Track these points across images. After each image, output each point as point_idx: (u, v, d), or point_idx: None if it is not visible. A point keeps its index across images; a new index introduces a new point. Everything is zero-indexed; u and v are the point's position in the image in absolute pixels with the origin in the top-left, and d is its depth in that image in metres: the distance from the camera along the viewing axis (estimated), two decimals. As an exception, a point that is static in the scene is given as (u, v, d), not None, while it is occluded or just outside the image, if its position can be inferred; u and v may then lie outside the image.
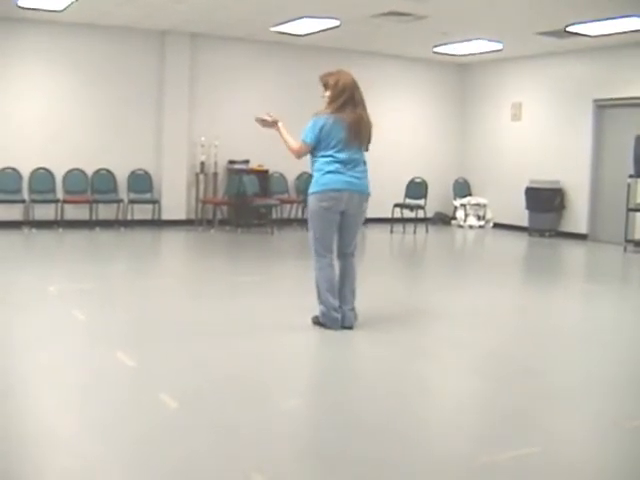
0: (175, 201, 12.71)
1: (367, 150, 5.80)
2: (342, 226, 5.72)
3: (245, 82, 13.17)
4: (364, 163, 5.73)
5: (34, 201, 11.60)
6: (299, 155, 5.72)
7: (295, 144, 5.66)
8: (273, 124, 5.82)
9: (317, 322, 5.80)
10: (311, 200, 5.67)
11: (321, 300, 5.71)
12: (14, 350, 5.05)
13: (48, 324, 5.81)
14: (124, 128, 12.34)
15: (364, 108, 5.65)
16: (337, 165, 5.56)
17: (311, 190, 5.66)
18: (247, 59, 13.17)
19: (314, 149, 5.62)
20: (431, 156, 15.12)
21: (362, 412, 4.07)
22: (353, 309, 5.82)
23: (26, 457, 3.36)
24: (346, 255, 5.84)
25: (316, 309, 5.78)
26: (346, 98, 5.55)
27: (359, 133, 5.60)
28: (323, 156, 5.59)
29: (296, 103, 11.58)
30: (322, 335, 5.69)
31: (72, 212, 11.92)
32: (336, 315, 5.69)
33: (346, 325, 5.74)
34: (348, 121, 5.55)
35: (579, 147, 12.98)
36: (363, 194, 5.70)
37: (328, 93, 5.64)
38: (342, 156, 5.57)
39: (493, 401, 4.38)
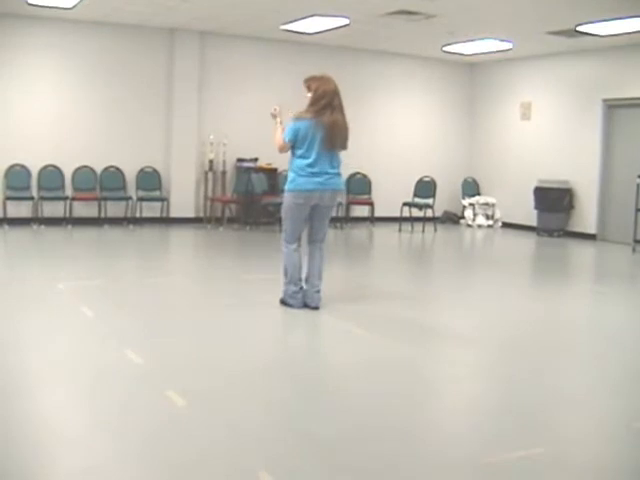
0: (184, 199, 12.73)
1: (345, 149, 6.34)
2: (314, 217, 6.31)
3: (254, 80, 13.17)
4: (338, 161, 6.28)
5: (43, 198, 11.63)
6: (280, 151, 6.28)
7: (280, 140, 6.24)
8: (274, 117, 6.44)
9: (283, 302, 6.40)
10: (287, 196, 6.23)
11: (287, 280, 6.33)
12: (22, 347, 5.07)
13: (57, 321, 5.84)
14: (133, 126, 12.36)
15: (342, 113, 6.17)
16: (311, 167, 6.10)
17: (287, 187, 6.22)
18: (256, 57, 13.18)
19: (293, 147, 6.18)
20: (440, 155, 15.10)
21: (368, 410, 4.08)
22: (319, 291, 6.36)
23: (34, 454, 3.37)
24: (315, 242, 6.42)
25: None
26: (325, 103, 6.08)
27: (335, 136, 6.12)
28: (300, 157, 6.13)
29: (305, 101, 11.56)
30: (331, 331, 5.70)
31: (81, 209, 11.95)
32: (298, 295, 6.33)
33: (312, 305, 6.31)
34: (325, 124, 6.06)
35: (588, 147, 12.94)
36: (335, 191, 6.27)
37: (309, 95, 6.19)
38: (317, 157, 6.10)
39: (501, 400, 4.38)
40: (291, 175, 6.18)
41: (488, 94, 15.08)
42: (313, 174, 6.10)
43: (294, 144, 6.13)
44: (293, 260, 6.32)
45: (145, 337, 5.44)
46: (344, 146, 6.29)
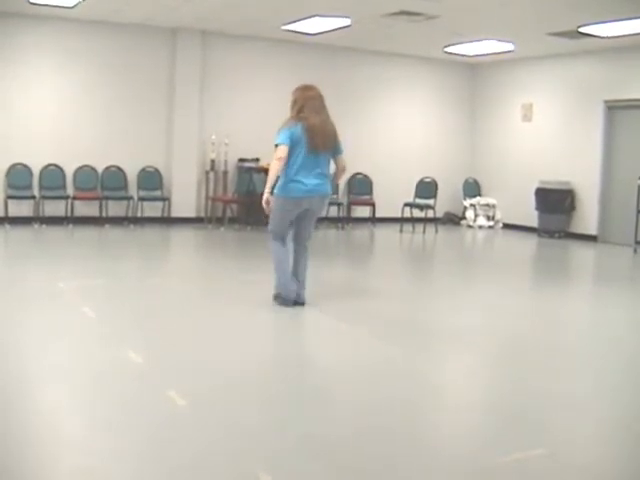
0: (185, 199, 12.73)
1: (334, 151, 6.38)
2: (301, 219, 6.43)
3: (256, 80, 13.17)
4: (326, 165, 6.35)
5: (44, 197, 11.64)
6: (282, 159, 6.10)
7: (273, 164, 6.11)
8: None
9: (276, 297, 6.50)
10: (276, 200, 6.23)
11: (277, 275, 6.44)
12: (23, 346, 5.07)
13: (57, 320, 5.84)
14: (134, 125, 12.36)
15: (322, 115, 6.27)
16: (300, 173, 6.18)
17: (277, 192, 6.22)
18: (258, 57, 13.18)
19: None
20: (441, 156, 15.10)
21: (368, 411, 4.08)
22: (304, 287, 6.52)
23: (34, 454, 3.37)
24: (301, 244, 6.55)
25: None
26: (298, 108, 6.25)
27: (316, 138, 6.17)
28: (290, 162, 6.15)
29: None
30: (331, 332, 5.71)
31: (82, 209, 11.96)
32: (292, 287, 6.42)
33: (300, 302, 6.47)
34: (306, 128, 6.15)
35: (589, 148, 12.94)
36: (323, 196, 6.39)
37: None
38: (304, 162, 6.16)
39: (501, 401, 4.38)
40: (282, 180, 6.22)
41: (489, 95, 15.09)
42: (302, 181, 6.18)
43: (290, 148, 6.13)
44: (281, 255, 6.43)
45: (146, 337, 5.44)
46: (332, 148, 6.34)
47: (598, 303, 7.86)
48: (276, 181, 6.21)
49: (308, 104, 6.26)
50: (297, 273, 6.50)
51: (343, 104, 12.52)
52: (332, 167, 6.52)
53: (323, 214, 6.94)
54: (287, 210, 6.30)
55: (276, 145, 6.15)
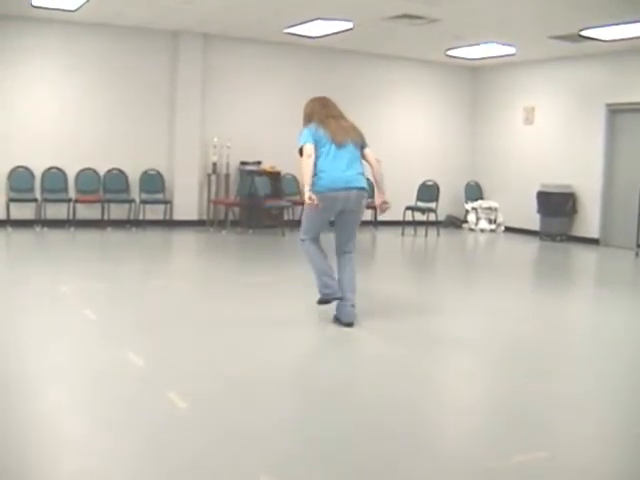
0: (187, 202, 12.74)
1: (366, 146, 6.06)
2: (340, 225, 6.00)
3: (258, 83, 13.18)
4: (359, 161, 5.96)
5: (46, 200, 11.65)
6: (311, 156, 5.74)
7: (305, 162, 5.76)
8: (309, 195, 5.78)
9: (321, 301, 6.00)
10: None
11: (317, 274, 5.95)
12: (25, 348, 5.07)
13: (59, 323, 5.84)
14: (136, 128, 12.38)
15: (339, 113, 6.10)
16: (332, 167, 5.79)
17: (314, 189, 5.74)
18: (260, 60, 13.19)
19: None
20: (443, 159, 15.10)
21: (369, 413, 4.08)
22: (353, 305, 5.94)
23: (35, 455, 3.37)
24: (345, 253, 6.05)
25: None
26: (308, 114, 6.03)
27: (341, 130, 5.91)
28: (320, 159, 5.80)
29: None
30: (330, 333, 5.71)
31: (84, 212, 11.96)
32: (332, 282, 5.93)
33: (346, 321, 5.89)
34: (321, 122, 5.91)
35: (591, 151, 12.94)
36: (360, 190, 5.89)
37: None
38: (336, 156, 5.82)
39: (502, 404, 4.38)
40: (314, 179, 5.78)
41: (491, 98, 15.09)
42: (333, 175, 5.79)
43: (315, 145, 5.79)
44: (314, 252, 5.98)
45: (147, 339, 5.44)
46: (359, 141, 6.01)
47: (599, 306, 7.85)
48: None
49: (316, 110, 6.02)
50: (343, 291, 5.93)
51: (344, 107, 12.43)
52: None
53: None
54: (322, 209, 5.77)
55: (300, 148, 5.81)
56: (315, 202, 5.63)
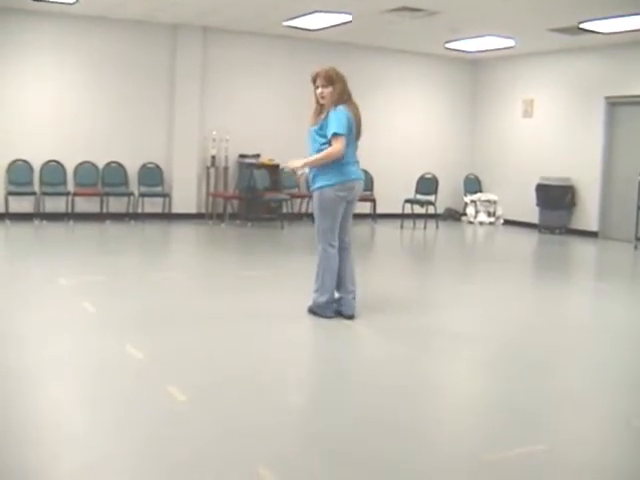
0: (186, 195, 12.73)
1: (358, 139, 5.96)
2: (343, 215, 5.90)
3: (257, 76, 13.16)
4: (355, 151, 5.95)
5: (45, 193, 11.64)
6: (341, 151, 5.63)
7: (330, 150, 5.61)
8: (300, 169, 5.87)
9: (313, 312, 5.97)
10: (328, 191, 5.72)
11: (324, 290, 5.87)
12: (23, 342, 5.07)
13: (58, 316, 5.84)
14: (135, 121, 12.36)
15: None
16: (352, 156, 5.81)
17: (330, 181, 5.70)
18: (259, 53, 13.17)
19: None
20: (442, 152, 15.09)
21: (369, 407, 4.08)
22: (354, 297, 5.99)
23: (34, 450, 3.37)
24: (345, 243, 6.00)
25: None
26: (344, 92, 5.81)
27: (359, 125, 5.85)
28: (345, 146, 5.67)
29: (307, 98, 11.56)
30: (329, 327, 5.71)
31: (83, 205, 11.95)
32: (332, 305, 5.93)
33: (347, 314, 5.92)
34: (353, 113, 5.77)
35: (590, 144, 12.93)
36: (362, 181, 5.99)
37: (333, 87, 5.78)
38: (352, 148, 5.81)
39: (501, 398, 4.38)
40: (334, 166, 5.66)
41: (490, 91, 15.07)
42: (353, 163, 5.81)
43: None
44: (333, 266, 5.84)
45: (146, 333, 5.44)
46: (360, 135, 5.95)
47: (598, 299, 7.86)
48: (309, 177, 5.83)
49: (347, 88, 5.85)
50: (345, 281, 5.92)
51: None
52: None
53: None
54: (341, 198, 5.70)
55: (335, 133, 5.59)
56: (300, 177, 5.61)
